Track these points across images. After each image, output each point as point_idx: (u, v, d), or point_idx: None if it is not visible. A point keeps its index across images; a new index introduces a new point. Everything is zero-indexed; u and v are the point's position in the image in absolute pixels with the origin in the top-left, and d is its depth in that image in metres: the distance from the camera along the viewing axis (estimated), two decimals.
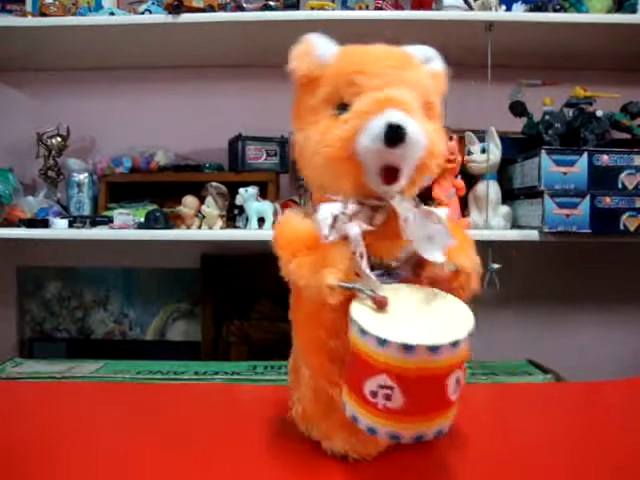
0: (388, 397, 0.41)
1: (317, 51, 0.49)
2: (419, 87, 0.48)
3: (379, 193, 0.47)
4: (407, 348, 0.40)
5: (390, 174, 0.46)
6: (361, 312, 0.43)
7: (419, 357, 0.40)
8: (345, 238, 0.45)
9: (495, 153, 1.31)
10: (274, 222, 1.32)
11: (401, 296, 0.46)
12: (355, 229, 0.45)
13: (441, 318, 0.45)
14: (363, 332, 0.41)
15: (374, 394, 0.42)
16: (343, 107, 0.47)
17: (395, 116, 0.44)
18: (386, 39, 0.51)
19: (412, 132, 0.44)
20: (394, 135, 0.44)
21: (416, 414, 0.42)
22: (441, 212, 0.47)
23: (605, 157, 1.22)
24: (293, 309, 0.53)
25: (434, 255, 0.46)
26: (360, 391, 0.43)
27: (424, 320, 0.44)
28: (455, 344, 0.41)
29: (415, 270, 0.51)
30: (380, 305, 0.44)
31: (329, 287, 0.44)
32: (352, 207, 0.46)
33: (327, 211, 0.45)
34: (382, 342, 0.40)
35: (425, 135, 0.46)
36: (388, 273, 0.47)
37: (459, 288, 0.48)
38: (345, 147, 0.45)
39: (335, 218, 0.45)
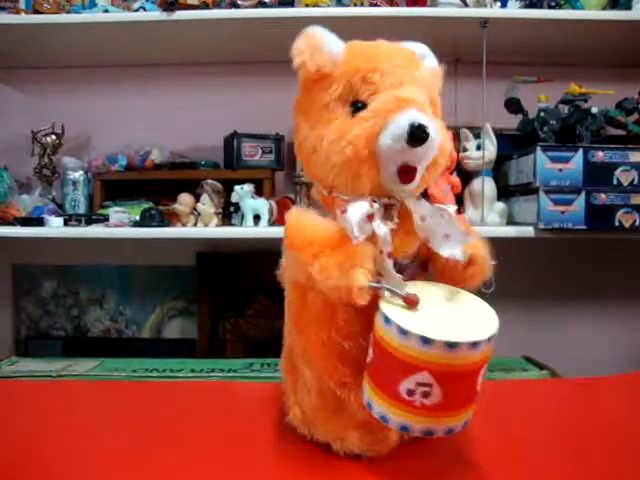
0: (426, 394, 0.42)
1: (327, 46, 0.48)
2: (425, 85, 0.49)
3: (392, 192, 0.47)
4: (451, 346, 0.40)
5: (407, 173, 0.46)
6: (394, 312, 0.43)
7: (461, 354, 0.41)
8: (369, 238, 0.45)
9: (490, 150, 1.31)
10: (270, 219, 1.32)
11: (424, 293, 0.45)
12: (383, 228, 0.45)
13: (467, 314, 0.46)
14: (403, 332, 0.41)
15: (411, 392, 0.42)
16: (358, 105, 0.47)
17: (416, 116, 0.44)
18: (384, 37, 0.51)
19: (432, 132, 0.44)
20: (418, 135, 0.44)
21: (450, 409, 0.43)
22: (451, 209, 0.48)
23: (600, 153, 1.22)
24: (295, 311, 0.52)
25: (453, 253, 0.47)
26: (394, 390, 0.43)
27: (454, 316, 0.45)
28: (490, 339, 0.42)
29: (423, 265, 0.51)
30: (412, 304, 0.44)
31: (360, 287, 0.43)
32: (376, 207, 0.46)
33: (358, 212, 0.45)
34: (426, 341, 0.40)
35: (438, 134, 0.46)
36: (398, 270, 0.46)
37: (472, 277, 0.49)
38: (366, 146, 0.45)
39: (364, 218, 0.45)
